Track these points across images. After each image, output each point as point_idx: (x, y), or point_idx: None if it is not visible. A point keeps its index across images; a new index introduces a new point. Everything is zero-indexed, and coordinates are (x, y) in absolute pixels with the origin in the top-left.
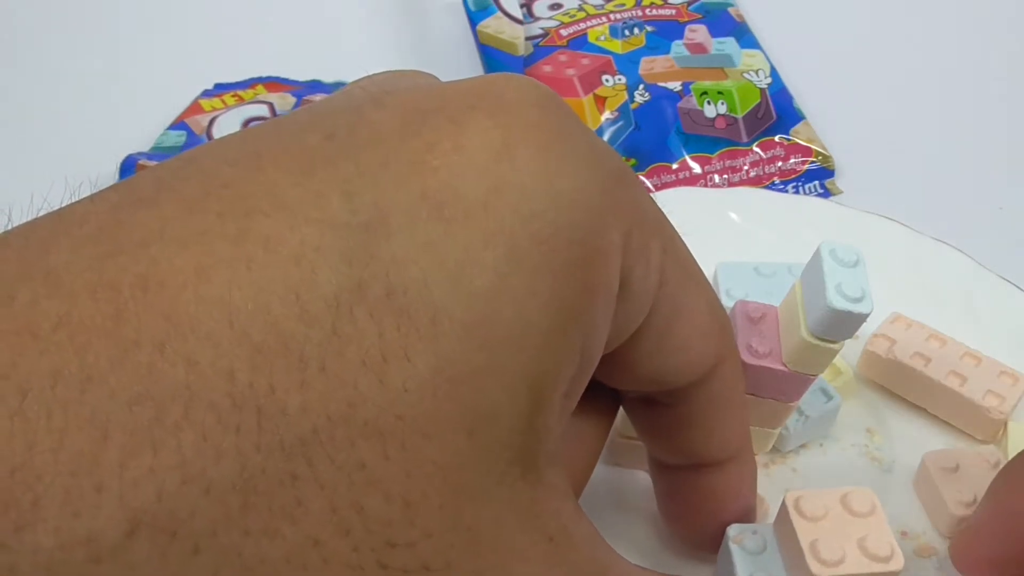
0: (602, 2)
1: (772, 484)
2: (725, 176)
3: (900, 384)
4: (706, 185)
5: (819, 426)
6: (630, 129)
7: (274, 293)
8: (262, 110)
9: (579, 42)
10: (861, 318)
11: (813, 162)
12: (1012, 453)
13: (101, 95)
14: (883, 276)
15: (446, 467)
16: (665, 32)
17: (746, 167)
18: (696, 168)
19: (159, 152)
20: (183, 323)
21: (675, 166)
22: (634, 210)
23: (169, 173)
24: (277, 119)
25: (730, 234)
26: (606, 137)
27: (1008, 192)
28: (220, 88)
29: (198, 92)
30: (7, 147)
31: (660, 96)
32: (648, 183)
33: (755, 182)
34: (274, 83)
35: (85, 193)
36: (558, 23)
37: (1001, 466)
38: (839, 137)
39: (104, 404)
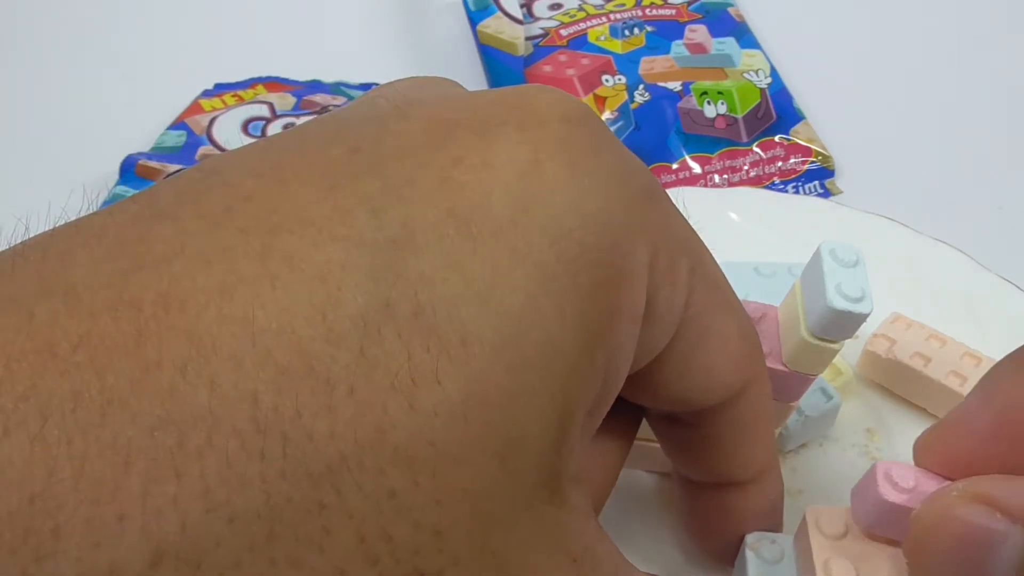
0: (602, 2)
1: None
2: (725, 176)
3: (900, 384)
4: (706, 185)
5: (819, 426)
6: (630, 129)
7: (299, 313)
8: (262, 110)
9: (579, 42)
10: (861, 318)
11: (813, 162)
12: None
13: (101, 95)
14: (883, 276)
15: (476, 494)
16: (665, 32)
17: (746, 167)
18: (696, 168)
19: (159, 152)
20: (205, 344)
21: (675, 166)
22: (662, 229)
23: (189, 184)
24: (299, 128)
25: (730, 234)
26: None
27: (1008, 192)
28: (220, 88)
29: (198, 92)
30: (7, 147)
31: (660, 96)
32: None
33: (755, 182)
34: (274, 83)
35: (96, 199)
36: (558, 23)
37: None
38: (839, 137)
39: (125, 429)
